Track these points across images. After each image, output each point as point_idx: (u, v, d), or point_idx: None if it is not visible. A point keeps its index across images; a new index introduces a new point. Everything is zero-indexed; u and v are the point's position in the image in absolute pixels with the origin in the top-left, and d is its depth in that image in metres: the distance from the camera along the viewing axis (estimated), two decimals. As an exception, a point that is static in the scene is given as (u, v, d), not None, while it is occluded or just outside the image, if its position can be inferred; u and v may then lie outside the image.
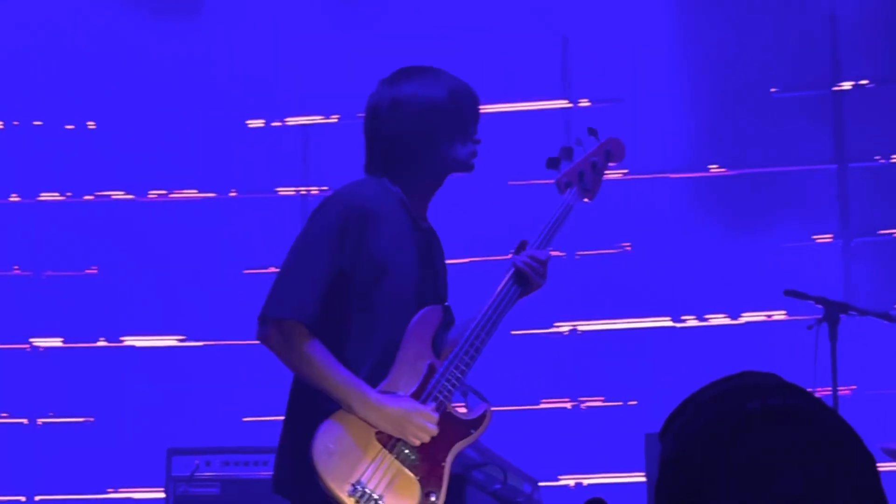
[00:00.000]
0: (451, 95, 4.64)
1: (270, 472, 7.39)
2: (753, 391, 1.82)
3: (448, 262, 4.86)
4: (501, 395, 7.59)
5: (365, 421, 4.33)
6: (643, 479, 7.48)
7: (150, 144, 9.78)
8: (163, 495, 7.70)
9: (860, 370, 9.14)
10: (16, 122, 9.85)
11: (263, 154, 9.81)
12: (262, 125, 9.88)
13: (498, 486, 5.97)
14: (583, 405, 9.40)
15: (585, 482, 9.07)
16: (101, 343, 9.65)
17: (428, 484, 4.38)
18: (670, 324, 9.40)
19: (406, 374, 4.44)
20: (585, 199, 4.77)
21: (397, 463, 4.34)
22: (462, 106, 4.66)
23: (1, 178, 9.80)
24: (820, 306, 5.70)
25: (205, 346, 9.65)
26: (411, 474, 4.36)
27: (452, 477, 4.44)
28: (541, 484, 6.59)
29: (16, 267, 9.76)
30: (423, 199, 4.67)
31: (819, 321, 5.68)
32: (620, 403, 9.28)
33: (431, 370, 4.46)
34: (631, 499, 7.36)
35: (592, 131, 4.87)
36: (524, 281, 4.61)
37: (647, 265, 9.39)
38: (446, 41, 9.65)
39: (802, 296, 5.70)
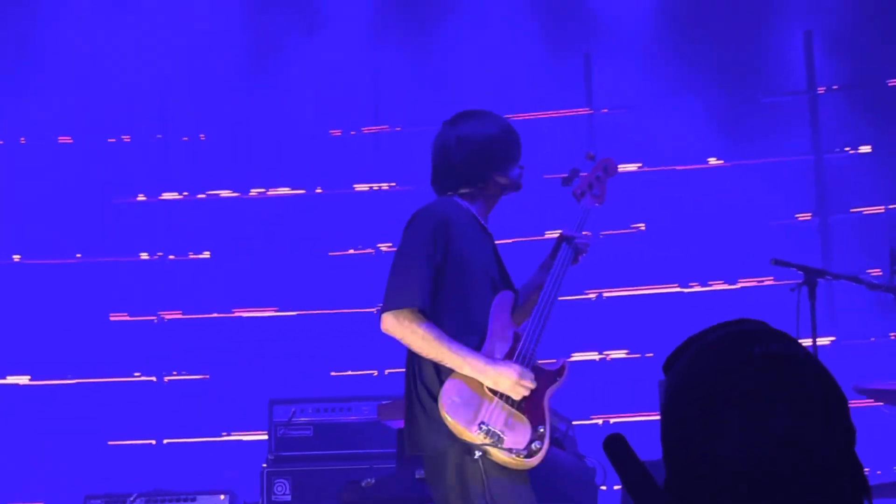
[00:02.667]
0: (501, 131, 4.86)
1: (356, 417, 7.55)
2: (757, 336, 1.80)
3: (497, 242, 4.98)
4: (541, 350, 7.63)
5: (462, 399, 4.46)
6: (657, 418, 7.49)
7: (250, 151, 9.81)
8: (266, 437, 7.73)
9: (836, 324, 9.12)
10: (141, 136, 9.90)
11: (342, 157, 9.82)
12: (341, 133, 9.88)
13: (563, 428, 6.02)
14: (608, 357, 9.39)
15: (612, 421, 9.06)
16: (215, 314, 9.68)
17: (535, 420, 4.51)
18: (679, 290, 9.37)
19: (498, 341, 4.59)
20: (597, 204, 5.07)
21: (508, 406, 4.47)
22: (510, 139, 4.87)
23: (129, 182, 9.85)
24: (801, 272, 5.67)
25: (298, 314, 9.66)
26: (521, 414, 4.48)
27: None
28: (574, 422, 6.60)
29: (144, 253, 9.81)
30: (485, 210, 4.88)
31: (800, 285, 5.65)
32: (639, 355, 9.27)
33: (517, 337, 4.62)
34: (648, 433, 7.39)
35: (590, 156, 5.18)
36: (576, 257, 4.87)
37: (659, 242, 9.37)
38: (490, 62, 9.67)
39: (786, 264, 5.67)
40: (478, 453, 4.40)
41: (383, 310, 4.61)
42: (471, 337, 4.56)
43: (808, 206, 9.44)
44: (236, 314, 9.66)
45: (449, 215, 4.69)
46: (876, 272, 8.35)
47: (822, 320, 5.83)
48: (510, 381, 4.46)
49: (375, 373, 9.52)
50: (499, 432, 4.41)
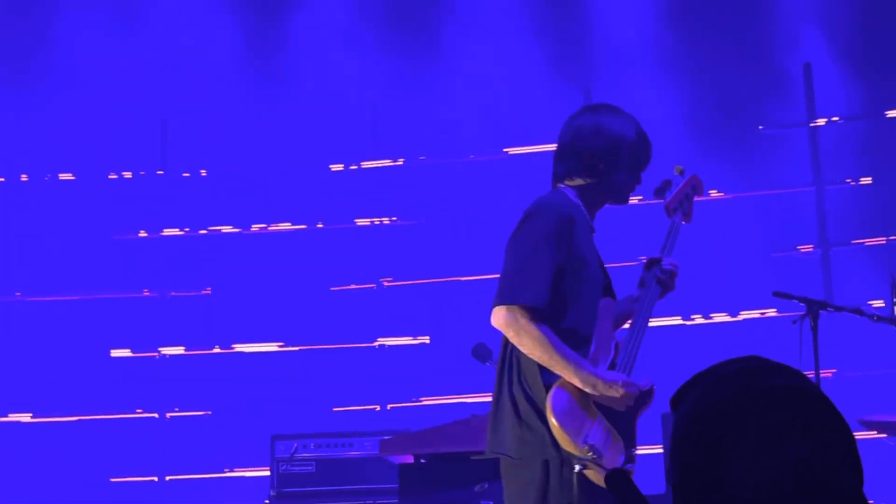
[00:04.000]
0: (639, 137, 4.70)
1: (358, 452, 7.52)
2: (770, 370, 1.82)
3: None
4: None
5: (584, 390, 4.34)
6: (660, 451, 7.45)
7: (251, 187, 9.82)
8: (268, 473, 7.71)
9: (838, 356, 9.09)
10: (142, 172, 9.92)
11: (343, 192, 9.83)
12: (342, 168, 9.90)
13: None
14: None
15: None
16: (216, 350, 9.68)
17: (628, 440, 4.43)
18: (681, 322, 9.36)
19: (602, 349, 4.46)
20: (685, 222, 4.93)
21: (609, 425, 4.37)
22: (644, 149, 4.72)
23: (131, 218, 9.86)
24: (803, 304, 5.66)
25: (300, 349, 9.66)
26: (617, 433, 4.40)
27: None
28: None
29: (145, 290, 9.81)
30: (594, 208, 4.70)
31: (803, 317, 5.64)
32: (642, 388, 9.23)
33: (617, 348, 4.51)
34: (650, 466, 7.33)
35: (680, 170, 4.99)
36: (664, 287, 4.73)
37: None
38: (489, 95, 9.69)
39: (789, 296, 5.66)
40: (578, 467, 4.26)
41: (497, 302, 4.39)
42: (584, 343, 4.43)
43: (810, 238, 9.44)
44: (238, 350, 9.66)
45: (570, 211, 4.50)
46: (878, 303, 8.33)
47: (825, 352, 5.81)
48: (618, 393, 4.35)
49: (378, 408, 9.51)
50: (601, 450, 4.28)
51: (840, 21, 9.59)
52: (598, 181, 4.63)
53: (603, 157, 4.60)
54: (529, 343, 4.33)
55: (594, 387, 4.32)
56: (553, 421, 4.27)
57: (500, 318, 4.38)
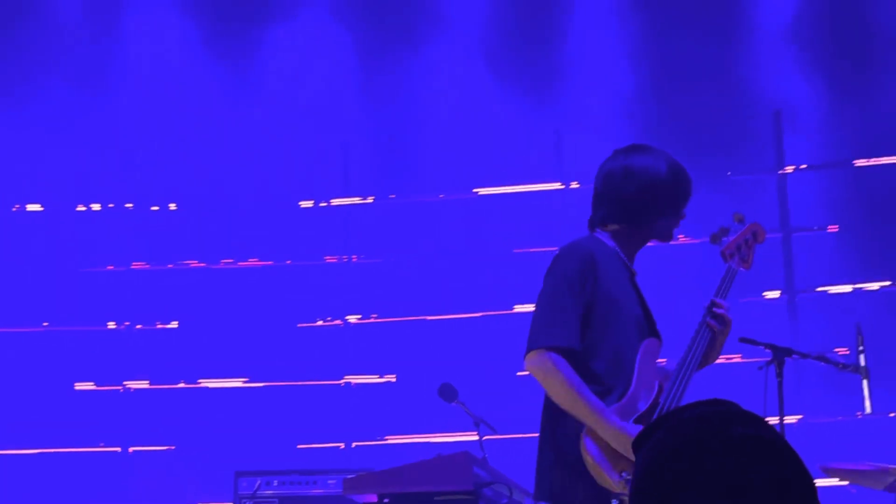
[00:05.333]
0: (672, 175, 4.66)
1: (321, 490, 7.49)
2: (734, 417, 1.80)
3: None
4: (508, 425, 7.61)
5: (607, 444, 4.28)
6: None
7: (219, 222, 9.81)
8: (231, 510, 7.67)
9: (803, 402, 9.13)
10: (111, 205, 9.89)
11: (312, 229, 9.82)
12: (312, 205, 9.90)
13: (504, 501, 5.96)
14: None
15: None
16: (181, 384, 9.64)
17: None
18: (647, 365, 9.36)
19: (643, 389, 4.42)
20: (744, 268, 4.95)
21: None
22: (679, 185, 4.68)
23: (99, 251, 9.82)
24: (769, 350, 5.67)
25: (265, 386, 9.63)
26: None
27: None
28: (542, 498, 6.56)
29: (111, 323, 9.77)
30: (633, 251, 4.66)
31: (768, 363, 5.64)
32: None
33: (660, 389, 4.46)
34: None
35: (740, 217, 5.00)
36: (714, 331, 4.69)
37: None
38: (461, 134, 9.73)
39: (754, 342, 5.66)
40: (615, 502, 4.24)
41: (528, 349, 4.37)
42: (610, 382, 4.39)
43: (777, 284, 9.48)
44: (203, 385, 9.62)
45: (595, 253, 4.46)
46: (843, 350, 8.37)
47: (790, 398, 5.82)
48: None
49: (342, 446, 9.48)
50: None
51: (811, 69, 9.68)
52: (634, 225, 4.60)
53: (637, 200, 4.58)
54: (557, 388, 4.31)
55: (615, 439, 4.27)
56: (586, 457, 4.26)
57: (531, 363, 4.36)
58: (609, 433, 4.26)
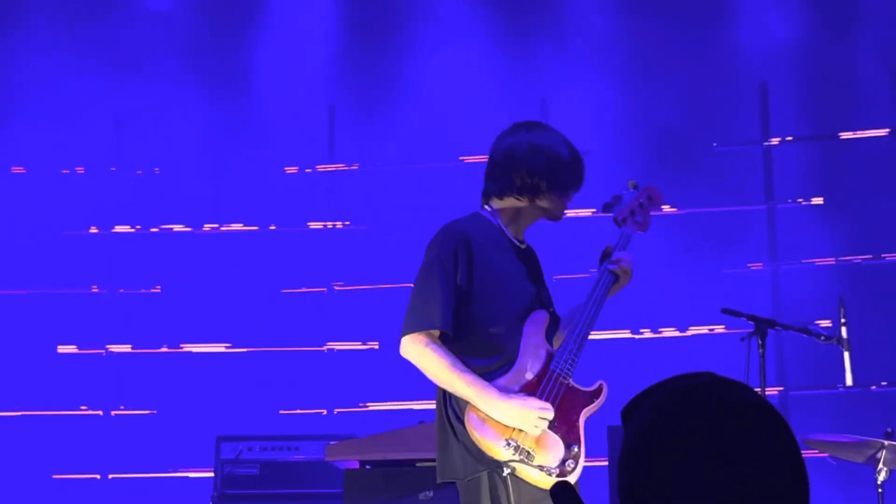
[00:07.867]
0: (571, 156, 4.67)
1: (303, 456, 7.51)
2: (725, 385, 1.81)
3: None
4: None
5: (490, 416, 4.33)
6: (605, 464, 7.48)
7: (204, 186, 9.79)
8: (212, 475, 7.69)
9: (785, 374, 9.16)
10: (95, 168, 9.86)
11: (297, 195, 9.81)
12: (297, 171, 9.88)
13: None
14: (558, 402, 9.36)
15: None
16: (164, 349, 9.64)
17: (569, 439, 4.40)
18: (630, 335, 9.40)
19: (530, 359, 4.45)
20: (640, 231, 4.92)
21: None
22: (577, 167, 4.68)
23: (82, 214, 9.80)
24: (751, 322, 5.69)
25: (248, 351, 9.63)
26: (554, 434, 4.38)
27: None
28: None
29: (94, 286, 9.76)
30: (521, 227, 4.69)
31: (751, 334, 5.66)
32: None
33: (549, 356, 4.48)
34: (595, 480, 7.37)
35: (634, 184, 5.00)
36: (616, 279, 4.71)
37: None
38: (447, 103, 9.71)
39: (737, 313, 5.69)
40: (507, 470, 4.29)
41: (402, 334, 4.43)
42: (495, 357, 4.44)
43: (760, 256, 9.51)
44: (185, 349, 9.62)
45: (469, 231, 4.52)
46: (825, 323, 8.40)
47: (771, 370, 5.86)
48: (518, 414, 4.31)
49: (325, 412, 9.50)
50: (528, 449, 4.30)
51: (796, 42, 9.68)
52: (531, 201, 4.63)
53: (543, 175, 4.60)
54: (431, 370, 4.37)
55: (497, 409, 4.31)
56: (471, 431, 4.32)
57: (403, 348, 4.43)
58: (489, 405, 4.31)
